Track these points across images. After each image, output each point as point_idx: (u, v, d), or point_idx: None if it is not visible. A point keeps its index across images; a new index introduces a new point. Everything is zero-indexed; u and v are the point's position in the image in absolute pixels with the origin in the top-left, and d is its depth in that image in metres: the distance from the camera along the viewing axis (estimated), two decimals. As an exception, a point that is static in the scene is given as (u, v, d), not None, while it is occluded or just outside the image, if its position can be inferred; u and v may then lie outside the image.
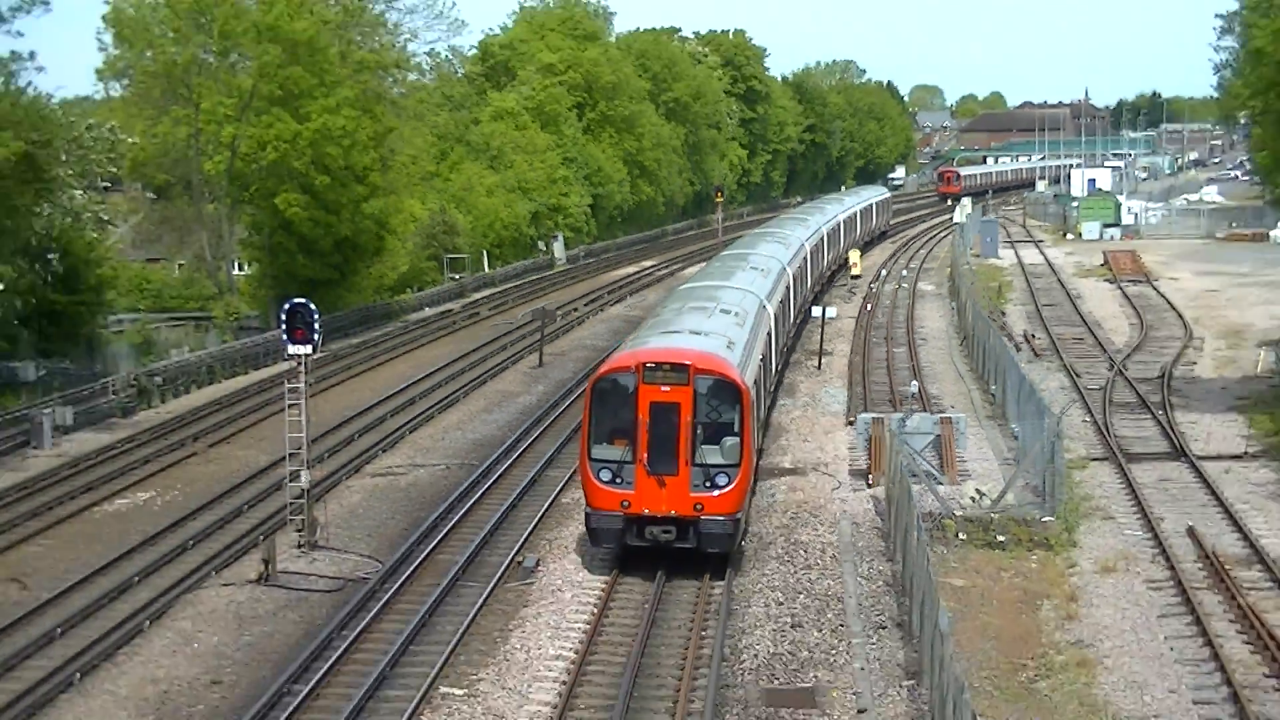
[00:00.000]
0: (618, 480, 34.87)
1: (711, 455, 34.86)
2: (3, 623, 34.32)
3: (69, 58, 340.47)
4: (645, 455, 34.57)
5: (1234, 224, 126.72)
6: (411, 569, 38.06)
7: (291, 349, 40.82)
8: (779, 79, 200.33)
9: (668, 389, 34.43)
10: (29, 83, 57.84)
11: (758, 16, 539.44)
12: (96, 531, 42.94)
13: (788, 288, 59.66)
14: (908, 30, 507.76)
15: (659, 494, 34.59)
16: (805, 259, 67.26)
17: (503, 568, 37.71)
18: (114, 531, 42.63)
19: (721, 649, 31.81)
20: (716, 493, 34.50)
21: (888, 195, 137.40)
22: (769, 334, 48.73)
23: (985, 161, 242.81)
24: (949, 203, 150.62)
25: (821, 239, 79.08)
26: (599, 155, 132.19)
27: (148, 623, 34.67)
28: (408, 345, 79.23)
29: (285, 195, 76.93)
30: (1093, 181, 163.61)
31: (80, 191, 70.24)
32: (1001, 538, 39.66)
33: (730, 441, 35.07)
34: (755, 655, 32.06)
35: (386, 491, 47.56)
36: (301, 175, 76.92)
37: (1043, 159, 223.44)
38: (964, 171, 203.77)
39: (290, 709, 29.04)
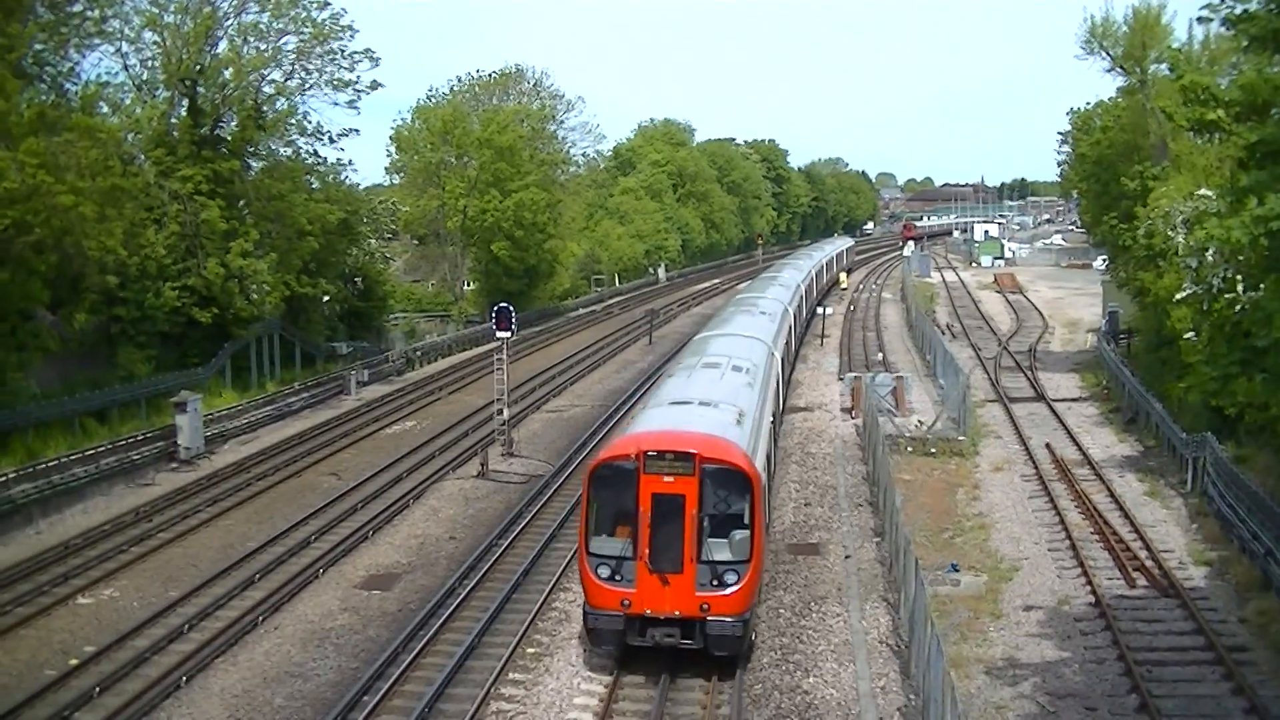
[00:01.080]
0: (617, 577, 21.20)
1: (719, 551, 21.13)
2: (327, 500, 34.61)
3: (371, 160, 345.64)
4: (647, 551, 20.83)
5: (1071, 258, 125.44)
6: (570, 469, 37.97)
7: (498, 334, 40.91)
8: (796, 169, 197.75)
9: (671, 479, 20.88)
10: (346, 176, 58.80)
11: (783, 129, 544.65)
12: (381, 445, 43.20)
13: (789, 328, 48.07)
14: (876, 137, 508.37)
15: (662, 593, 20.94)
16: (802, 295, 62.93)
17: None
18: (392, 444, 42.86)
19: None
20: (725, 591, 20.90)
21: (852, 244, 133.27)
22: (777, 376, 35.19)
23: (923, 220, 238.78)
24: (901, 244, 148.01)
25: (813, 275, 76.45)
26: (686, 215, 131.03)
27: (411, 500, 34.85)
28: (568, 332, 78.84)
29: (496, 243, 77.09)
30: (987, 231, 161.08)
31: (374, 240, 70.66)
32: (933, 449, 39.18)
33: (740, 536, 21.21)
34: (783, 522, 31.66)
35: (554, 422, 47.43)
36: (506, 229, 76.90)
37: (957, 218, 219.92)
38: (918, 225, 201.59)
39: (497, 554, 29.08)
